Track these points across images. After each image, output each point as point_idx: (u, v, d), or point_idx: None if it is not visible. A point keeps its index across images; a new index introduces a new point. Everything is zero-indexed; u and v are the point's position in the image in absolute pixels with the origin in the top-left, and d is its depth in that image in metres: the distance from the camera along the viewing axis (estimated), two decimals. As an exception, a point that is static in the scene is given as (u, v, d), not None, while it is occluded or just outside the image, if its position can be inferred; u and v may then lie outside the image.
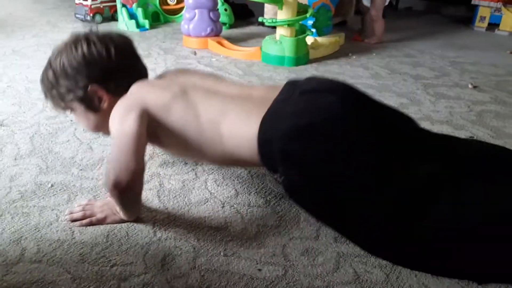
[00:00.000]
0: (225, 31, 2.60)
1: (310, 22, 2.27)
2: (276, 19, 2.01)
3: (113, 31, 0.98)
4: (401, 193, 0.74)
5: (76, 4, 2.75)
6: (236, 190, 1.02)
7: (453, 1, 3.69)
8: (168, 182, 1.03)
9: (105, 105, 0.92)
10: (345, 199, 0.77)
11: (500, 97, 1.71)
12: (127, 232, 0.85)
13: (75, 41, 0.90)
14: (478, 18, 3.09)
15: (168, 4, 2.89)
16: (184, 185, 1.02)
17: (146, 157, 1.10)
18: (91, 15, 2.69)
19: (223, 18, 2.67)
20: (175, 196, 0.98)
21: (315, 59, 2.13)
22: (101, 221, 0.87)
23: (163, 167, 1.10)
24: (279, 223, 0.90)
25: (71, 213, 0.88)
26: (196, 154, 0.94)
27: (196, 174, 1.07)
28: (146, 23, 2.65)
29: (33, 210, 0.91)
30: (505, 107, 1.60)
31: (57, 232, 0.84)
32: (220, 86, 0.94)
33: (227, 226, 0.89)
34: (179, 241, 0.84)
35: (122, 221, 0.87)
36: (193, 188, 1.02)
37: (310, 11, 2.04)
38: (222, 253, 0.81)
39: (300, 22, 2.06)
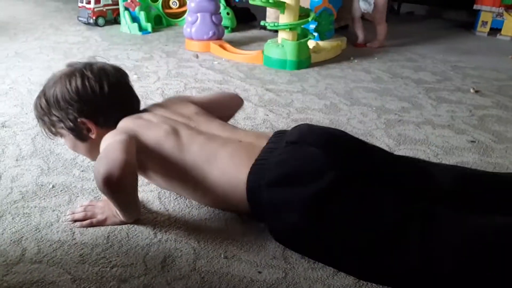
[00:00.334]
0: (227, 34, 2.61)
1: (312, 26, 2.28)
2: (278, 23, 2.01)
3: (108, 64, 0.98)
4: (371, 229, 0.74)
5: (79, 7, 2.77)
6: (237, 192, 1.01)
7: (455, 6, 3.69)
8: (169, 184, 1.03)
9: (93, 136, 0.94)
10: (323, 239, 0.77)
11: (502, 101, 1.71)
12: (127, 234, 0.85)
13: (71, 74, 0.92)
14: (480, 23, 3.10)
15: (170, 8, 2.90)
16: (185, 187, 1.02)
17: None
18: (94, 18, 2.70)
19: (225, 21, 2.68)
20: (176, 198, 0.98)
21: (316, 63, 2.14)
22: (101, 223, 0.87)
23: (164, 169, 1.10)
24: (280, 226, 0.90)
25: (73, 213, 0.89)
26: (184, 192, 0.95)
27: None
28: (148, 26, 2.66)
29: (34, 210, 0.91)
30: (507, 112, 1.60)
31: (57, 233, 0.84)
32: (212, 127, 0.94)
33: (227, 228, 0.89)
34: (180, 243, 0.84)
35: (122, 223, 0.87)
36: (194, 190, 1.02)
37: (312, 15, 2.05)
38: (222, 256, 0.81)
39: (302, 26, 2.07)
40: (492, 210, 0.80)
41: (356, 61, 2.25)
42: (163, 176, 0.92)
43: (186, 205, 0.96)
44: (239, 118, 1.44)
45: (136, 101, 1.01)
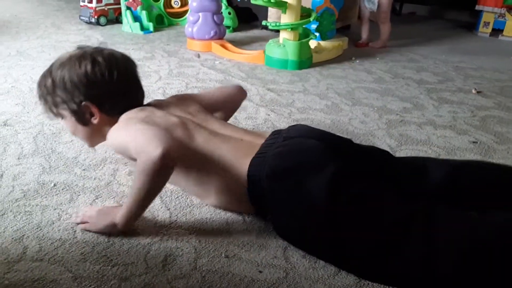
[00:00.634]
0: (228, 34, 2.61)
1: (313, 26, 2.28)
2: (279, 22, 2.01)
3: (118, 52, 0.97)
4: (372, 228, 0.74)
5: (81, 6, 2.77)
6: (238, 192, 1.01)
7: (457, 6, 3.69)
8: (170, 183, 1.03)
9: (95, 121, 0.93)
10: (325, 236, 0.78)
11: (504, 102, 1.71)
12: (128, 232, 0.85)
13: (81, 57, 0.91)
14: (482, 23, 3.09)
15: (172, 7, 2.90)
16: (186, 186, 1.03)
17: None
18: (95, 17, 2.71)
19: (227, 21, 2.68)
20: (177, 197, 0.98)
21: (318, 63, 2.14)
22: (93, 228, 0.84)
23: (166, 168, 1.10)
24: (281, 225, 0.90)
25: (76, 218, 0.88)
26: (188, 186, 0.95)
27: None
28: (150, 25, 2.66)
29: (36, 209, 0.91)
30: (509, 113, 1.60)
31: (59, 231, 0.85)
32: (214, 125, 0.95)
33: (228, 227, 0.89)
34: (181, 242, 0.84)
35: (110, 231, 0.83)
36: (195, 189, 1.02)
37: (314, 15, 2.04)
38: (223, 255, 0.81)
39: (304, 26, 2.07)
40: (489, 204, 0.80)
41: (357, 61, 2.25)
42: None
43: (187, 204, 0.96)
44: (241, 118, 1.44)
45: (142, 93, 1.01)
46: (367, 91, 1.78)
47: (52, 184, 1.00)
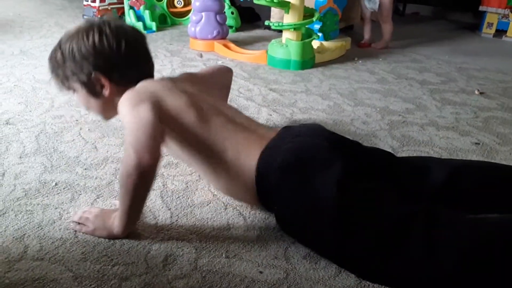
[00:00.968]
0: (231, 34, 2.61)
1: (316, 26, 2.27)
2: (282, 22, 2.01)
3: (127, 24, 0.99)
4: (374, 227, 0.74)
5: (84, 5, 2.78)
6: (239, 192, 1.01)
7: (460, 7, 3.68)
8: (171, 183, 1.03)
9: (106, 92, 0.93)
10: (328, 232, 0.77)
11: (507, 103, 1.70)
12: (129, 232, 0.85)
13: (88, 29, 0.92)
14: (485, 24, 3.08)
15: (175, 7, 2.91)
16: (187, 186, 1.03)
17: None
18: (99, 16, 2.71)
19: (230, 21, 2.68)
20: (178, 197, 0.98)
21: (321, 63, 2.13)
22: (88, 233, 0.84)
23: (167, 168, 1.10)
24: (282, 226, 0.90)
25: (74, 216, 0.88)
26: (198, 167, 0.94)
27: (199, 175, 1.07)
28: (153, 25, 2.66)
29: (37, 208, 0.91)
30: (511, 114, 1.59)
31: (60, 231, 0.85)
32: (229, 111, 0.95)
33: (229, 228, 0.89)
34: (181, 242, 0.84)
35: (108, 237, 0.83)
36: (196, 189, 1.02)
37: (317, 15, 2.04)
38: (224, 255, 0.81)
39: (307, 26, 2.06)
40: (490, 205, 0.80)
41: (360, 61, 2.24)
42: (180, 146, 0.91)
43: (188, 204, 0.96)
44: (242, 118, 1.44)
45: (151, 64, 1.01)
46: (369, 92, 1.78)
47: (54, 183, 1.00)
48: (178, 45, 2.38)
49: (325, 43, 2.32)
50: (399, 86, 1.87)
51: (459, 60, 2.35)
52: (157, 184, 1.02)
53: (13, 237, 0.82)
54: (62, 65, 0.93)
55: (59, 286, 0.71)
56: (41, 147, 1.17)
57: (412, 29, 3.20)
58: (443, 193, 0.83)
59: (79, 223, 0.86)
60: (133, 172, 0.76)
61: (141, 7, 2.66)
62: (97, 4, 2.70)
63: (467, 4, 3.49)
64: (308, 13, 2.04)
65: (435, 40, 2.84)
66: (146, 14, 2.66)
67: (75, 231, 0.85)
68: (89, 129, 1.28)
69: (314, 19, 2.02)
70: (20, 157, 1.11)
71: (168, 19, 2.88)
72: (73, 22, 2.80)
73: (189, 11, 2.81)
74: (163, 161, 1.13)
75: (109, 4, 2.77)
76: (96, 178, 1.04)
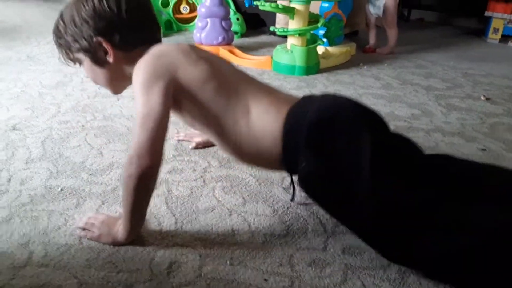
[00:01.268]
0: (236, 40, 2.62)
1: (321, 32, 2.28)
2: (287, 28, 2.01)
3: None
4: (402, 205, 0.74)
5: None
6: (243, 198, 1.01)
7: (466, 12, 3.67)
8: (176, 189, 1.03)
9: (110, 59, 0.90)
10: (352, 197, 0.76)
11: (514, 109, 1.69)
12: (133, 239, 0.85)
13: None
14: (491, 30, 3.07)
15: (181, 13, 2.92)
16: (192, 192, 1.02)
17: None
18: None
19: (235, 27, 2.69)
20: (183, 203, 0.98)
21: (325, 69, 2.13)
22: (94, 239, 0.84)
23: (172, 174, 1.10)
24: (287, 233, 0.90)
25: (80, 222, 0.88)
26: (215, 134, 0.92)
27: (204, 181, 1.07)
28: (158, 31, 2.67)
29: (42, 214, 0.91)
30: (518, 120, 1.58)
31: (65, 237, 0.85)
32: (249, 76, 0.95)
33: (234, 234, 0.89)
34: (186, 248, 0.83)
35: (113, 243, 0.83)
36: (201, 195, 1.02)
37: (322, 20, 2.04)
38: (228, 262, 0.80)
39: (312, 32, 2.07)
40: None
41: (365, 67, 2.24)
42: (198, 114, 0.89)
43: (193, 210, 0.95)
44: (247, 124, 1.44)
45: (157, 27, 0.96)
46: (374, 97, 1.77)
47: (59, 189, 1.01)
48: (184, 50, 2.39)
49: (330, 49, 2.32)
50: (404, 91, 1.87)
51: (464, 66, 2.34)
52: (162, 190, 1.02)
53: (18, 243, 0.82)
54: (64, 33, 0.91)
55: (63, 293, 0.71)
56: (47, 153, 1.17)
57: (417, 35, 3.19)
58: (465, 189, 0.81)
59: (84, 229, 0.86)
60: (133, 173, 0.77)
61: (147, 13, 2.67)
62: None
63: (473, 9, 3.48)
64: (313, 19, 2.04)
65: (440, 46, 2.84)
66: (152, 20, 2.68)
67: (80, 237, 0.85)
68: (95, 135, 1.29)
69: (319, 24, 2.02)
70: (26, 163, 1.11)
71: (174, 25, 2.89)
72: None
73: (194, 17, 2.83)
74: (168, 167, 1.13)
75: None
76: (101, 183, 1.04)
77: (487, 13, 3.05)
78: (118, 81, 0.96)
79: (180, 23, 2.92)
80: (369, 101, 1.72)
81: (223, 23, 2.31)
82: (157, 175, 0.81)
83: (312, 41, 2.09)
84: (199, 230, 0.89)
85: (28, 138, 1.25)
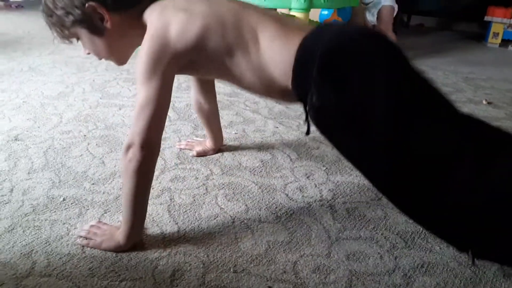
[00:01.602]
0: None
1: (321, 39, 2.28)
2: (287, 36, 2.02)
3: None
4: (423, 151, 0.69)
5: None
6: (246, 205, 1.01)
7: (465, 17, 3.68)
8: (178, 197, 1.03)
9: (108, 24, 0.86)
10: (369, 131, 0.71)
11: (515, 113, 1.69)
12: (136, 247, 0.85)
13: None
14: (491, 34, 3.08)
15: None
16: (194, 200, 1.02)
17: (157, 172, 1.11)
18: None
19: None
20: (186, 211, 0.98)
21: (326, 75, 2.13)
22: (96, 246, 0.84)
23: (174, 182, 1.10)
24: (290, 239, 0.89)
25: (82, 231, 0.88)
26: (230, 75, 0.87)
27: (206, 189, 1.07)
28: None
29: (45, 223, 0.91)
30: (520, 123, 1.58)
31: (67, 246, 0.84)
32: (259, 8, 0.89)
33: (237, 241, 0.88)
34: (189, 256, 0.83)
35: (116, 249, 0.83)
36: (204, 203, 1.01)
37: (322, 28, 2.05)
38: (231, 269, 0.80)
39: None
40: None
41: (366, 73, 2.24)
42: (210, 60, 0.86)
43: (196, 218, 0.95)
44: (249, 131, 1.44)
45: None
46: (376, 103, 1.77)
47: (62, 199, 1.01)
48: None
49: (330, 56, 2.33)
50: (405, 97, 1.87)
51: (465, 70, 2.34)
52: (165, 198, 1.02)
53: (21, 253, 0.82)
54: (54, 8, 0.86)
55: (66, 303, 0.71)
56: (49, 163, 1.17)
57: (417, 41, 3.21)
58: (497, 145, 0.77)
59: (86, 238, 0.86)
60: (140, 149, 0.79)
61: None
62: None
63: (472, 14, 3.50)
64: (313, 26, 2.05)
65: (441, 51, 2.84)
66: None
67: (83, 246, 0.84)
68: (97, 144, 1.29)
69: (319, 32, 2.03)
70: (29, 173, 1.12)
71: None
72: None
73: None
74: (170, 176, 1.13)
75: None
76: (103, 193, 1.04)
77: (486, 18, 3.07)
78: (120, 49, 0.93)
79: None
80: (370, 107, 1.72)
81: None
82: (154, 167, 0.83)
83: (312, 48, 2.09)
84: (202, 237, 0.89)
85: (30, 149, 1.25)
